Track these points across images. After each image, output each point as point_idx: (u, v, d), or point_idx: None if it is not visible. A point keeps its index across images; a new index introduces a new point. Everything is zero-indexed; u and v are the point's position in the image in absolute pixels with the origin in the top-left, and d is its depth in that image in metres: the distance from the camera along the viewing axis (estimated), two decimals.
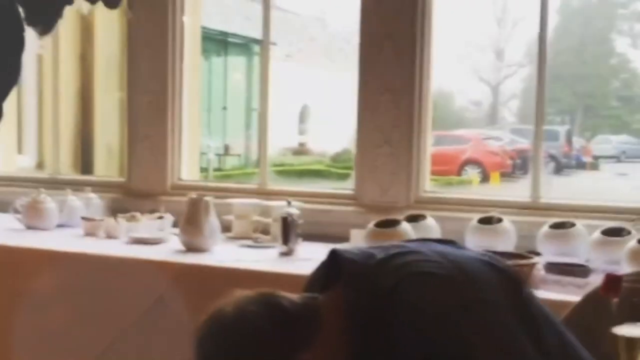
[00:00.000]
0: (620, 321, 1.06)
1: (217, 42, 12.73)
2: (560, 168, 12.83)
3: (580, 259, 2.68)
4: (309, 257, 2.89)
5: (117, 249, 3.07)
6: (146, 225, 3.37)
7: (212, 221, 3.03)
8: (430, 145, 3.49)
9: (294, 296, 1.38)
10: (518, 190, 3.18)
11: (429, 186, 3.45)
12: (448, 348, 1.18)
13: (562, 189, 9.59)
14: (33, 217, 3.53)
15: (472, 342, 1.17)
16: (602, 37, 16.53)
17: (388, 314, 1.24)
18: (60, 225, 3.56)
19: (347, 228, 3.18)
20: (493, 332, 1.20)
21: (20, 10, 1.55)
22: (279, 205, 3.14)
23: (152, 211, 3.54)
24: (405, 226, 2.87)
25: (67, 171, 4.89)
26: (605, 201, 3.22)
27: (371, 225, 2.88)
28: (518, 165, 11.86)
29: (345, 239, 3.13)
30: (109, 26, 5.40)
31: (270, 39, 3.80)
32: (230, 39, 13.24)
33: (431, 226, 3.00)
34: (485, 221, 2.90)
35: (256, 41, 11.21)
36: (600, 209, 3.10)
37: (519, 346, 1.17)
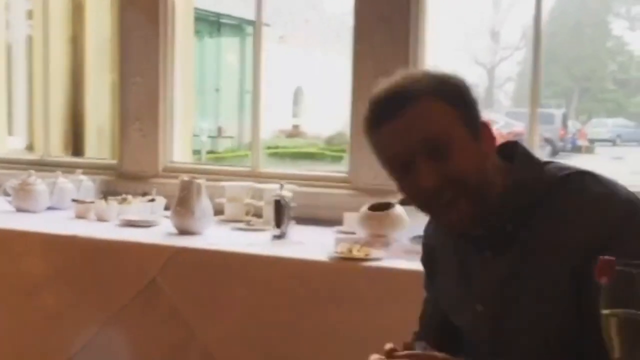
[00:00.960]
0: (612, 304, 1.05)
1: (210, 23, 12.65)
2: (555, 151, 12.84)
3: None
4: (301, 240, 2.88)
5: (109, 231, 3.04)
6: (138, 207, 3.35)
7: (204, 204, 3.00)
8: None
9: None
10: None
11: None
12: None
13: None
14: (23, 199, 3.50)
15: None
16: (598, 20, 16.50)
17: (558, 192, 1.30)
18: (50, 208, 3.53)
19: (340, 211, 3.16)
20: None
21: None
22: (271, 188, 3.12)
23: (143, 194, 3.51)
24: (399, 209, 2.85)
25: (58, 153, 4.84)
26: None
27: (364, 208, 2.86)
28: None
29: (338, 222, 3.11)
30: (100, 7, 5.34)
31: (263, 20, 3.76)
32: (223, 20, 13.16)
33: None
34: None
35: (249, 22, 11.15)
36: None
37: None
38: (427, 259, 1.60)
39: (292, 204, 2.94)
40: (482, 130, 1.33)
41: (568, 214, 1.28)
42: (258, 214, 3.28)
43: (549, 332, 1.32)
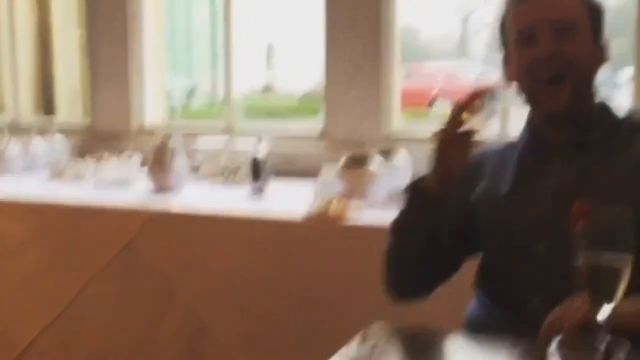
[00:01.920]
0: (589, 247, 1.09)
1: None
2: None
3: None
4: (279, 195, 2.87)
5: (85, 192, 3.01)
6: (114, 166, 3.31)
7: (180, 161, 2.98)
8: (399, 80, 3.45)
9: None
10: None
11: (400, 121, 3.42)
12: None
13: None
14: None
15: None
16: None
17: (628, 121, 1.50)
18: (25, 169, 3.48)
19: (318, 165, 3.14)
20: None
21: None
22: (248, 144, 3.09)
23: (119, 152, 3.47)
24: (377, 162, 2.84)
25: (29, 114, 4.77)
26: None
27: (341, 162, 2.85)
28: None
29: (316, 174, 3.10)
30: None
31: None
32: None
33: (403, 161, 2.98)
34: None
35: None
36: None
37: None
38: (474, 167, 1.59)
39: (269, 159, 2.92)
40: (602, 44, 1.50)
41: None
42: (235, 170, 3.25)
43: None
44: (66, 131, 3.80)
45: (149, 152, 3.03)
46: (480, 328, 1.52)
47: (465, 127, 1.41)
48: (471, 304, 1.61)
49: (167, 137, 2.97)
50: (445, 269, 1.59)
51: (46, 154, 3.49)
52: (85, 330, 2.82)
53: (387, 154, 2.98)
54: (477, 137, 1.42)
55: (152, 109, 3.86)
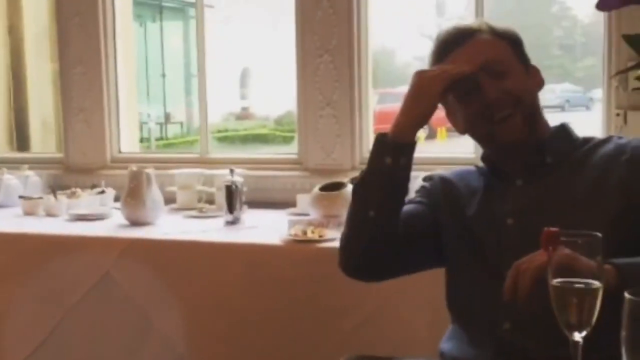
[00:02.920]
0: (558, 274, 1.09)
1: (151, 7, 12.43)
2: None
3: None
4: (255, 224, 2.86)
5: (59, 227, 2.98)
6: (87, 201, 3.29)
7: (155, 193, 2.96)
8: (372, 105, 3.47)
9: None
10: (463, 146, 3.19)
11: None
12: None
13: None
14: None
15: None
16: None
17: (598, 143, 1.53)
18: None
19: (292, 193, 3.15)
20: None
21: None
22: (222, 174, 3.09)
23: (92, 186, 3.46)
24: (351, 188, 2.84)
25: (2, 149, 4.73)
26: None
27: (316, 189, 2.86)
28: None
29: (291, 204, 3.11)
30: None
31: (204, 1, 3.71)
32: (165, 4, 12.94)
33: None
34: (431, 179, 2.89)
35: (192, 4, 10.98)
36: None
37: None
38: (441, 188, 1.66)
39: (244, 189, 2.92)
40: (533, 73, 1.57)
41: (605, 156, 1.48)
42: (210, 201, 3.25)
43: None
44: (39, 165, 3.77)
45: (123, 185, 3.01)
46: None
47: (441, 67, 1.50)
48: (448, 330, 1.62)
49: (141, 169, 2.96)
50: (400, 257, 1.60)
51: (19, 190, 3.46)
52: None
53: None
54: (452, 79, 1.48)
55: (126, 140, 3.85)
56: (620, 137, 1.55)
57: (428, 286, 1.90)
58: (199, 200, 3.29)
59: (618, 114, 2.97)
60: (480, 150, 1.68)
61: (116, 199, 3.28)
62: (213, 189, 3.21)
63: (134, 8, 4.79)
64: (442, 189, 1.65)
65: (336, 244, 2.48)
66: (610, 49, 2.99)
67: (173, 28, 13.41)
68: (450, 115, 1.59)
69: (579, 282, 1.09)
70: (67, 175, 3.74)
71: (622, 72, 2.76)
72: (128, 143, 3.90)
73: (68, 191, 3.34)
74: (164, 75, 12.53)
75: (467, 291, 1.54)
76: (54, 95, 4.96)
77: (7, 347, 2.88)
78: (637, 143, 1.49)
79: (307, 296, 2.47)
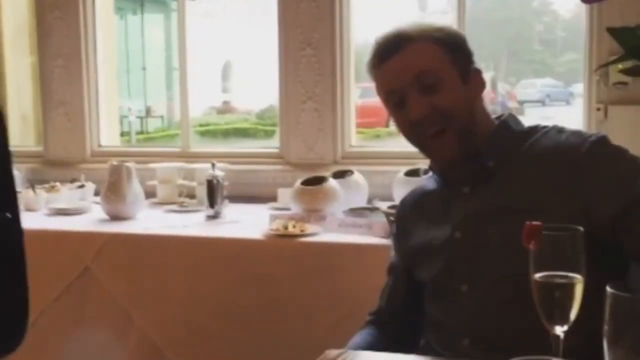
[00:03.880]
0: (540, 268, 1.08)
1: (132, 0, 12.35)
2: None
3: None
4: (236, 219, 2.85)
5: (38, 221, 2.95)
6: (67, 195, 3.26)
7: (135, 187, 2.94)
8: (354, 99, 3.46)
9: None
10: None
11: (355, 140, 3.43)
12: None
13: None
14: None
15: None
16: None
17: (536, 138, 1.47)
18: None
19: (274, 187, 3.14)
20: None
21: None
22: (203, 168, 3.07)
23: (72, 180, 3.42)
24: (332, 182, 2.84)
25: None
26: None
27: (297, 183, 2.85)
28: None
29: (272, 198, 3.09)
30: None
31: None
32: None
33: (359, 181, 2.99)
34: (412, 173, 2.89)
35: None
36: None
37: None
38: (397, 232, 1.65)
39: (225, 183, 2.91)
40: (473, 76, 1.49)
41: (545, 155, 1.43)
42: (191, 195, 3.23)
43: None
44: (18, 159, 3.72)
45: (103, 179, 2.99)
46: None
47: None
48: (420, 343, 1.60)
49: (121, 163, 2.94)
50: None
51: None
52: (42, 357, 2.76)
53: (342, 175, 2.99)
54: None
55: (106, 134, 3.82)
56: (560, 131, 1.48)
57: None
58: (180, 195, 3.26)
59: (599, 109, 2.98)
60: None
61: (96, 193, 3.25)
62: (194, 183, 3.19)
63: (115, 0, 4.74)
64: (403, 217, 1.64)
65: (318, 238, 2.50)
66: (591, 43, 3.00)
67: (154, 21, 13.33)
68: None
69: (561, 277, 1.08)
70: (47, 169, 3.71)
71: (605, 66, 2.77)
72: (108, 137, 3.87)
73: (47, 185, 3.30)
74: (144, 69, 12.46)
75: (432, 311, 1.52)
76: (33, 89, 4.90)
77: None
78: (576, 140, 1.42)
79: (288, 291, 2.46)
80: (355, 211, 2.73)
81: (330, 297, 2.40)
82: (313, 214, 2.70)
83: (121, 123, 4.55)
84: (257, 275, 2.51)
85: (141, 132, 11.43)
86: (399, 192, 2.85)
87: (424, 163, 2.94)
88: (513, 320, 1.35)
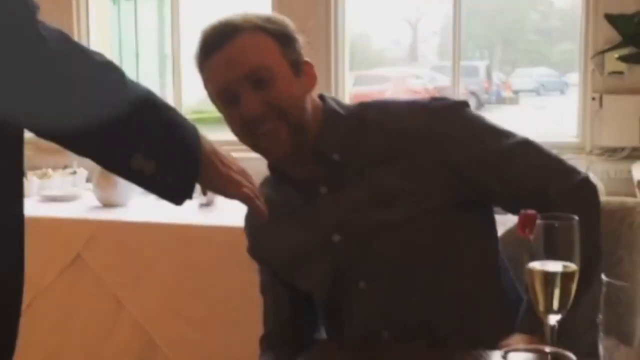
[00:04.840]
0: (535, 257, 1.07)
1: None
2: (481, 104, 13.00)
3: None
4: (229, 207, 2.83)
5: (30, 208, 2.93)
6: (59, 181, 3.25)
7: None
8: (349, 86, 3.45)
9: None
10: None
11: None
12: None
13: None
14: None
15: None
16: None
17: (365, 118, 1.45)
18: None
19: (267, 174, 3.12)
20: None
21: None
22: None
23: (64, 167, 3.41)
24: None
25: None
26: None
27: None
28: None
29: None
30: None
31: None
32: None
33: None
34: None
35: None
36: None
37: None
38: (254, 245, 1.62)
39: None
40: (304, 68, 1.44)
41: (390, 133, 1.41)
42: None
43: (420, 244, 1.37)
44: None
45: (95, 166, 2.97)
46: None
47: None
48: None
49: None
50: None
51: None
52: (33, 344, 2.75)
53: None
54: None
55: None
56: (386, 105, 1.48)
57: None
58: None
59: (594, 98, 2.97)
60: None
61: (88, 180, 3.24)
62: None
63: None
64: (254, 227, 1.59)
65: None
66: (587, 31, 2.99)
67: (147, 7, 13.26)
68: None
69: (556, 265, 1.08)
70: (39, 155, 3.67)
71: (602, 53, 2.76)
72: None
73: (39, 171, 3.28)
74: (137, 55, 12.40)
75: (328, 313, 1.51)
76: None
77: None
78: (416, 110, 1.43)
79: None
80: None
81: None
82: None
83: None
84: (248, 263, 2.50)
85: None
86: None
87: None
88: (422, 304, 1.37)
